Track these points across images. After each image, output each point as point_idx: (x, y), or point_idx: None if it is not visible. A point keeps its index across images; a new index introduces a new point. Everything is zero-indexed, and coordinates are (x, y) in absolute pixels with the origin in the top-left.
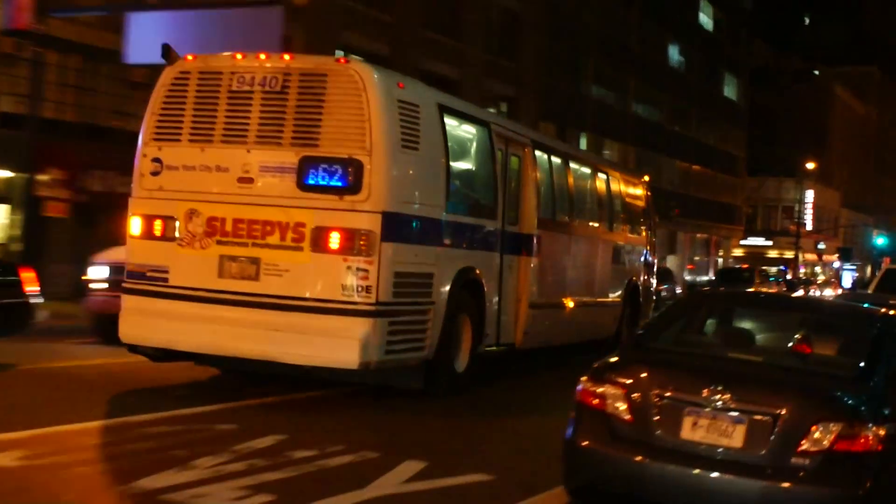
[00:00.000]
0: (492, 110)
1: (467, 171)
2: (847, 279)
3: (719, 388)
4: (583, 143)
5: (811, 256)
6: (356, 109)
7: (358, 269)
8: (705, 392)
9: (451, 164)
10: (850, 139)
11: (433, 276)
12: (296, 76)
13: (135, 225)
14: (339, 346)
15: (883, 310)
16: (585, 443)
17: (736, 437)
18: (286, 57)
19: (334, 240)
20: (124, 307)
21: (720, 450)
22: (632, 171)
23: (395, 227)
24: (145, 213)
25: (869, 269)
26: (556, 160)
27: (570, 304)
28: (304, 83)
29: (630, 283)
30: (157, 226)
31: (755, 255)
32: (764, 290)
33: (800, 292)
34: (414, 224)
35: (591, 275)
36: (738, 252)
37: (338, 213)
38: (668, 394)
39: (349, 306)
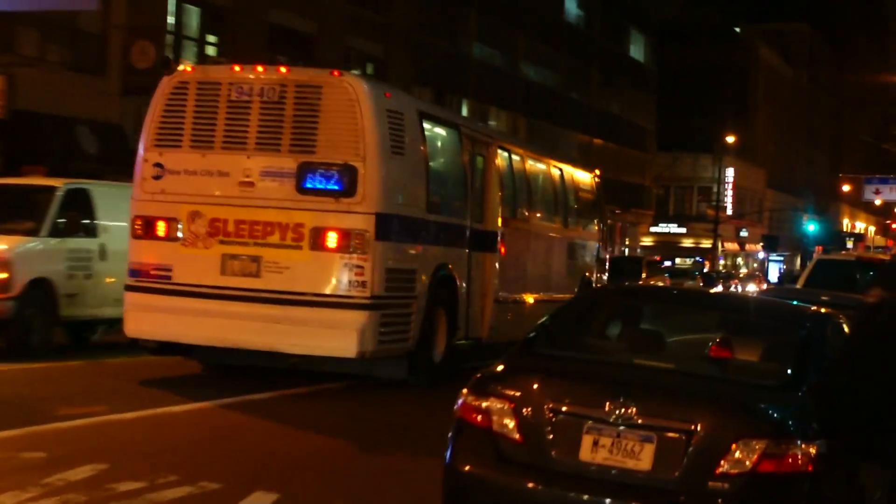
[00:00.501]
0: (355, 72)
1: (441, 172)
2: (773, 272)
3: (624, 400)
4: (464, 111)
5: (732, 246)
6: (350, 119)
7: (354, 265)
8: (608, 405)
9: (430, 166)
10: (777, 108)
11: (416, 272)
12: (292, 87)
13: (137, 226)
14: (339, 336)
15: (813, 308)
16: (467, 467)
17: (644, 458)
18: (283, 69)
19: (332, 239)
20: (128, 304)
21: (626, 473)
22: (584, 166)
23: (387, 226)
24: (148, 214)
25: (798, 261)
26: (515, 158)
27: (530, 299)
28: (301, 94)
29: (584, 279)
30: (161, 227)
31: (668, 243)
32: (659, 283)
33: (719, 287)
34: (401, 224)
35: (550, 271)
36: (647, 241)
37: (334, 214)
38: (564, 408)
39: (346, 300)
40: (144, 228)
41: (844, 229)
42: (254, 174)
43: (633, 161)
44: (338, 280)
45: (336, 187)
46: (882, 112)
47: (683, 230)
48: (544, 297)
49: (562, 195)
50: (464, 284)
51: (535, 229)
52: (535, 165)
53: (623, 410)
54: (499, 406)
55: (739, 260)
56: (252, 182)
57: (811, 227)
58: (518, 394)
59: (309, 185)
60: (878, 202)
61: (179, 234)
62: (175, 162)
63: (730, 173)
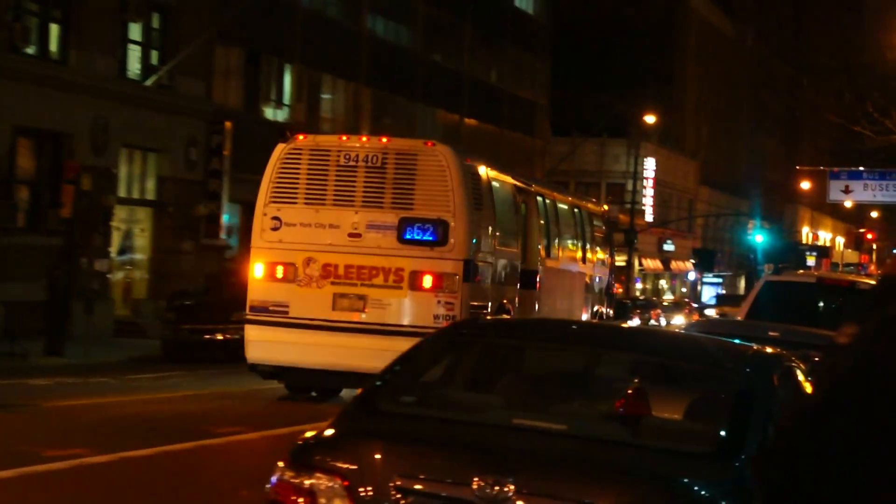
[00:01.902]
0: (136, 24)
1: (502, 220)
2: (709, 298)
3: (499, 474)
4: (288, 81)
5: (653, 263)
6: (441, 181)
7: (446, 302)
8: (476, 482)
9: (496, 216)
10: (713, 78)
11: (488, 308)
12: (392, 154)
13: (258, 269)
14: None
15: (757, 347)
16: None
17: None
18: (384, 140)
19: (427, 281)
20: (249, 335)
21: None
22: (594, 202)
23: (471, 270)
24: (267, 260)
25: (743, 283)
26: (548, 202)
27: None
28: (399, 160)
29: (597, 312)
30: (279, 270)
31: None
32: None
33: (634, 321)
34: (480, 268)
35: (573, 304)
36: None
37: (429, 260)
38: (416, 486)
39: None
40: (264, 271)
41: (804, 241)
42: (360, 227)
43: (518, 148)
44: (433, 314)
45: (431, 238)
46: (854, 83)
47: None
48: None
49: (580, 233)
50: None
51: (562, 266)
52: (561, 206)
53: (497, 489)
54: (328, 484)
55: (663, 282)
56: (359, 233)
57: (759, 238)
58: (354, 467)
59: (408, 236)
60: (847, 204)
61: (297, 277)
62: (291, 216)
63: (649, 165)
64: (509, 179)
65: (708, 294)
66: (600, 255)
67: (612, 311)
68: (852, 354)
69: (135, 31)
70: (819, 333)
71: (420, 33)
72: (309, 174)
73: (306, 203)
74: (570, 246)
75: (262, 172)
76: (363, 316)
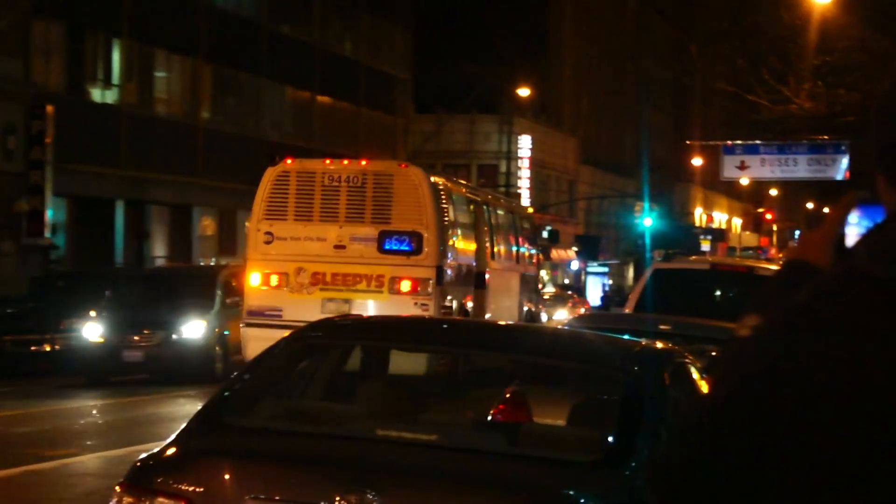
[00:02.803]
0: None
1: (462, 229)
2: (594, 289)
3: (361, 491)
4: (116, 58)
5: None
6: (414, 197)
7: (421, 303)
8: (338, 500)
9: (457, 226)
10: (593, 45)
11: (453, 307)
12: (371, 175)
13: (253, 278)
14: None
15: (646, 342)
16: None
17: None
18: (363, 162)
19: (405, 285)
20: (247, 336)
21: None
22: (521, 204)
23: (441, 275)
24: (261, 270)
25: (632, 272)
26: (489, 208)
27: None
28: (377, 180)
29: (528, 311)
30: (273, 279)
31: None
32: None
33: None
34: (448, 272)
35: (514, 300)
36: None
37: (406, 267)
38: None
39: None
40: (260, 280)
41: (697, 223)
42: (345, 239)
43: (378, 127)
44: (415, 314)
45: (407, 248)
46: (748, 49)
47: None
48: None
49: (514, 235)
50: (474, 314)
51: (503, 267)
52: (499, 211)
53: None
54: None
55: (543, 273)
56: (344, 245)
57: (647, 222)
58: (200, 489)
59: (387, 247)
60: (744, 181)
61: (288, 284)
62: (282, 230)
63: (524, 144)
64: (463, 191)
65: (593, 286)
66: (530, 253)
67: (540, 306)
68: (757, 348)
69: None
70: (714, 325)
71: (264, 2)
72: (297, 193)
73: (295, 219)
74: (509, 247)
75: (91, 161)
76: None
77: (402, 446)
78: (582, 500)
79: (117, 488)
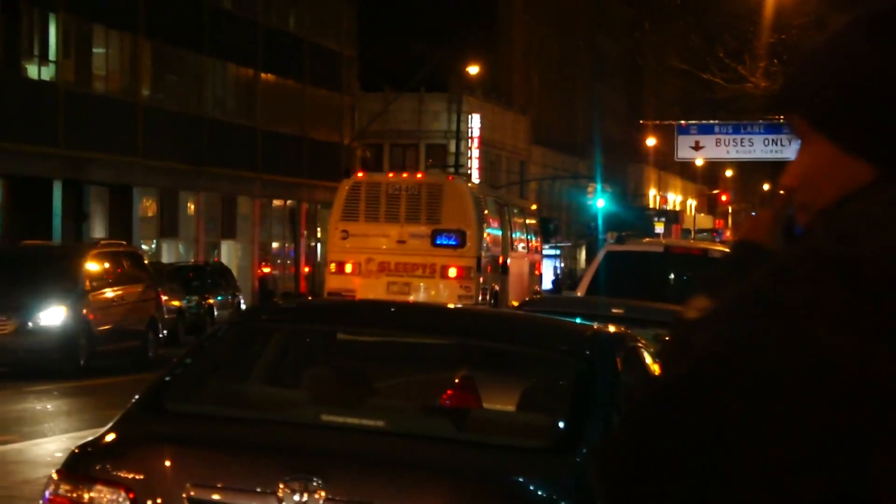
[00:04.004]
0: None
1: (492, 226)
2: (546, 273)
3: (307, 478)
4: (53, 34)
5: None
6: (460, 204)
7: (465, 286)
8: (283, 488)
9: (489, 224)
10: (543, 19)
11: (489, 290)
12: (425, 185)
13: (334, 267)
14: None
15: (598, 326)
16: None
17: None
18: (419, 175)
19: (452, 272)
20: None
21: None
22: (527, 203)
23: (479, 264)
24: (339, 260)
25: (584, 254)
26: (507, 208)
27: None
28: (430, 189)
29: (534, 290)
30: (348, 267)
31: None
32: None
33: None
34: (484, 261)
35: (526, 283)
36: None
37: (453, 258)
38: (214, 495)
39: (462, 304)
40: (338, 268)
41: (651, 205)
42: (405, 236)
43: (324, 106)
44: (457, 295)
45: (454, 242)
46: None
47: None
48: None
49: (525, 228)
50: (503, 299)
51: (518, 256)
52: (514, 210)
53: (305, 495)
54: (110, 497)
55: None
56: (404, 240)
57: (600, 203)
58: (140, 476)
59: (438, 242)
60: (698, 162)
61: (360, 271)
62: (355, 229)
63: (474, 123)
64: (493, 197)
65: (545, 268)
66: (534, 243)
67: (536, 286)
68: (711, 332)
69: None
70: (668, 309)
71: None
72: (367, 200)
73: (366, 220)
74: (522, 239)
75: (28, 140)
76: (409, 297)
77: (347, 432)
78: (531, 487)
79: (54, 475)
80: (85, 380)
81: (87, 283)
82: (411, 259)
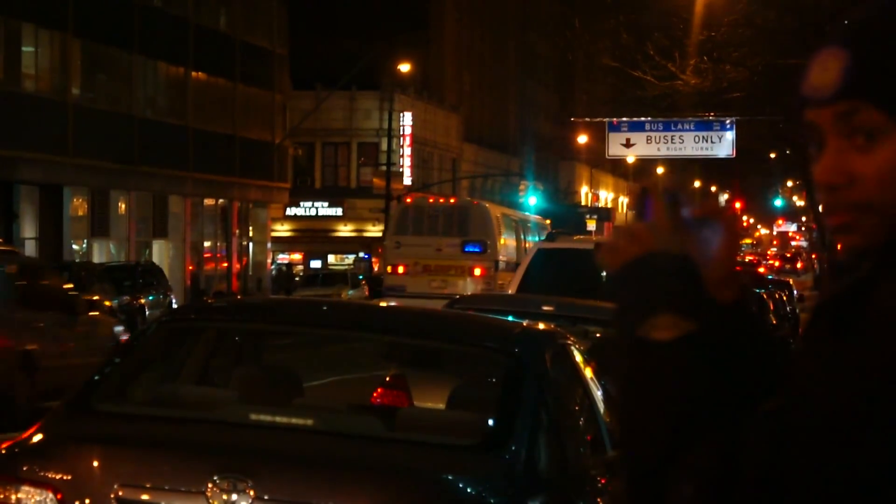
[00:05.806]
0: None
1: (507, 236)
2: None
3: (235, 478)
4: None
5: None
6: (483, 220)
7: (486, 283)
8: (210, 487)
9: (506, 235)
10: (474, 16)
11: (504, 286)
12: (457, 207)
13: (391, 269)
14: None
15: (525, 323)
16: None
17: None
18: (452, 200)
19: (477, 272)
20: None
21: None
22: (541, 219)
23: (497, 266)
24: (394, 263)
25: (515, 252)
26: (518, 220)
27: None
28: (460, 210)
29: None
30: (401, 269)
31: (314, 233)
32: (310, 296)
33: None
34: (501, 264)
35: None
36: (282, 229)
37: (478, 261)
38: (142, 495)
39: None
40: (393, 269)
41: (583, 202)
42: (443, 245)
43: (255, 104)
44: (480, 289)
45: (478, 250)
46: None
47: (338, 211)
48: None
49: (525, 230)
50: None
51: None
52: (525, 224)
53: (234, 495)
54: (38, 498)
55: None
56: (441, 249)
57: (532, 201)
58: (68, 477)
59: (467, 249)
60: (630, 159)
61: (409, 272)
62: (405, 241)
63: (406, 121)
64: (509, 212)
65: None
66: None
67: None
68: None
69: None
70: (599, 306)
71: None
72: (413, 218)
73: (413, 233)
74: (529, 243)
75: None
76: (445, 290)
77: (277, 431)
78: (460, 485)
79: None
80: None
81: None
82: (446, 262)
